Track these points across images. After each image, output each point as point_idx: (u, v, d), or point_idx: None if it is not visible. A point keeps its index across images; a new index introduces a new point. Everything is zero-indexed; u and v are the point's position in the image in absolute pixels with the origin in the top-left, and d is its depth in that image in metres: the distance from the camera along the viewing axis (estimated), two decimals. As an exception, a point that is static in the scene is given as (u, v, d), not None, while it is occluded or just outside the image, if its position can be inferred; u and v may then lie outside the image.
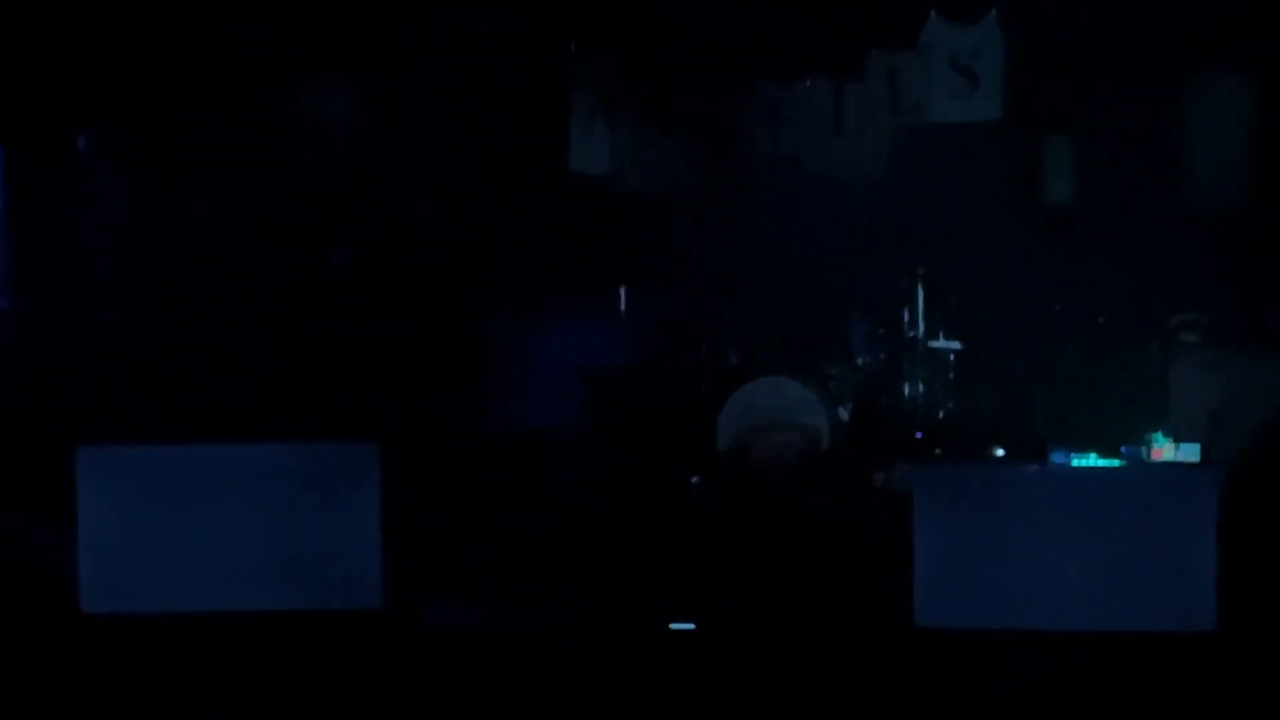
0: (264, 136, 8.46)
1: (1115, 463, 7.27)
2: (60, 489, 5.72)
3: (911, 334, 8.58)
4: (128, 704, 5.10)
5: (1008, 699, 5.06)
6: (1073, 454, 7.38)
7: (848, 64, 8.96)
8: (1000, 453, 8.13)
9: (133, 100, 8.49)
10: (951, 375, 8.63)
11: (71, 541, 5.67)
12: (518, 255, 8.74)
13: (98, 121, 8.57)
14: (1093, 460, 7.32)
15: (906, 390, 8.58)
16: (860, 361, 8.68)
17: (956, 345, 8.61)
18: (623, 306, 8.85)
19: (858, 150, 9.09)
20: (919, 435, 8.42)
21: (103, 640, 5.53)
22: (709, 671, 5.44)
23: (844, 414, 8.40)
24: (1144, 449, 7.44)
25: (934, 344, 8.60)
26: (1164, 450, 7.38)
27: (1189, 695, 5.02)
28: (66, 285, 8.40)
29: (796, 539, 6.68)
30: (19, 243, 8.43)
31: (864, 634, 5.58)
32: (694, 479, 7.90)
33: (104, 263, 8.49)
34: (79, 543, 5.65)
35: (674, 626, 5.68)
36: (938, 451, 8.30)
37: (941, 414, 8.58)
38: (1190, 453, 7.24)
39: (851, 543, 6.49)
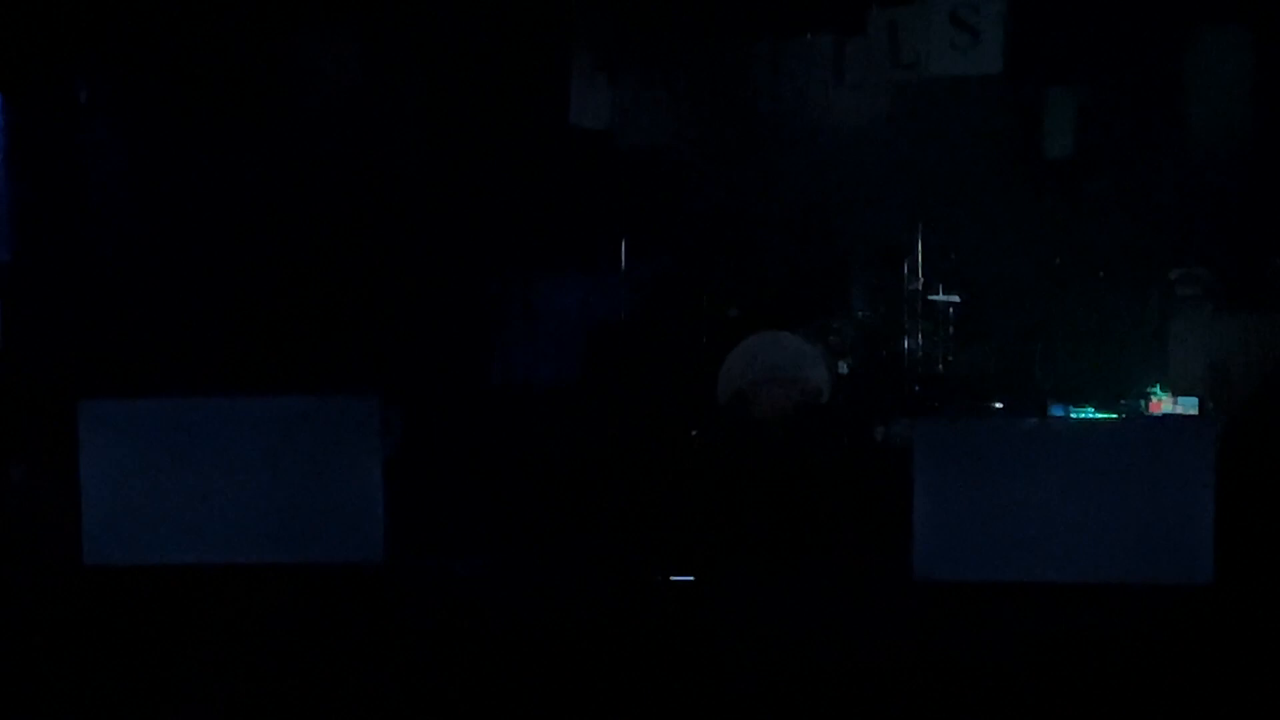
0: (264, 86, 8.44)
1: (1114, 416, 7.28)
2: (62, 442, 5.73)
3: (911, 288, 8.58)
4: (130, 656, 5.12)
5: (1006, 651, 5.07)
6: (1071, 407, 7.39)
7: (848, 17, 8.93)
8: (999, 406, 8.14)
9: (133, 49, 8.46)
10: (951, 329, 8.64)
11: (74, 495, 5.69)
12: (518, 209, 8.73)
13: (98, 71, 8.54)
14: (1091, 413, 7.33)
15: (906, 344, 8.59)
16: (860, 315, 8.68)
17: (956, 299, 8.61)
18: (623, 260, 8.85)
19: (858, 104, 9.06)
20: (918, 389, 8.43)
21: (105, 593, 5.55)
22: (708, 624, 5.46)
23: (843, 368, 8.40)
24: (1142, 402, 7.45)
25: (933, 298, 8.60)
26: (1162, 403, 7.39)
27: (1186, 646, 5.04)
28: (67, 238, 8.39)
29: (796, 493, 6.68)
30: (18, 196, 8.41)
31: (863, 587, 5.59)
32: (694, 433, 7.90)
33: (104, 215, 8.48)
34: (81, 496, 5.68)
35: (674, 579, 5.71)
36: (937, 405, 8.30)
37: (941, 367, 8.59)
38: (1188, 405, 7.25)
39: (851, 496, 6.50)
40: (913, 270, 8.54)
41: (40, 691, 4.99)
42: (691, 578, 5.73)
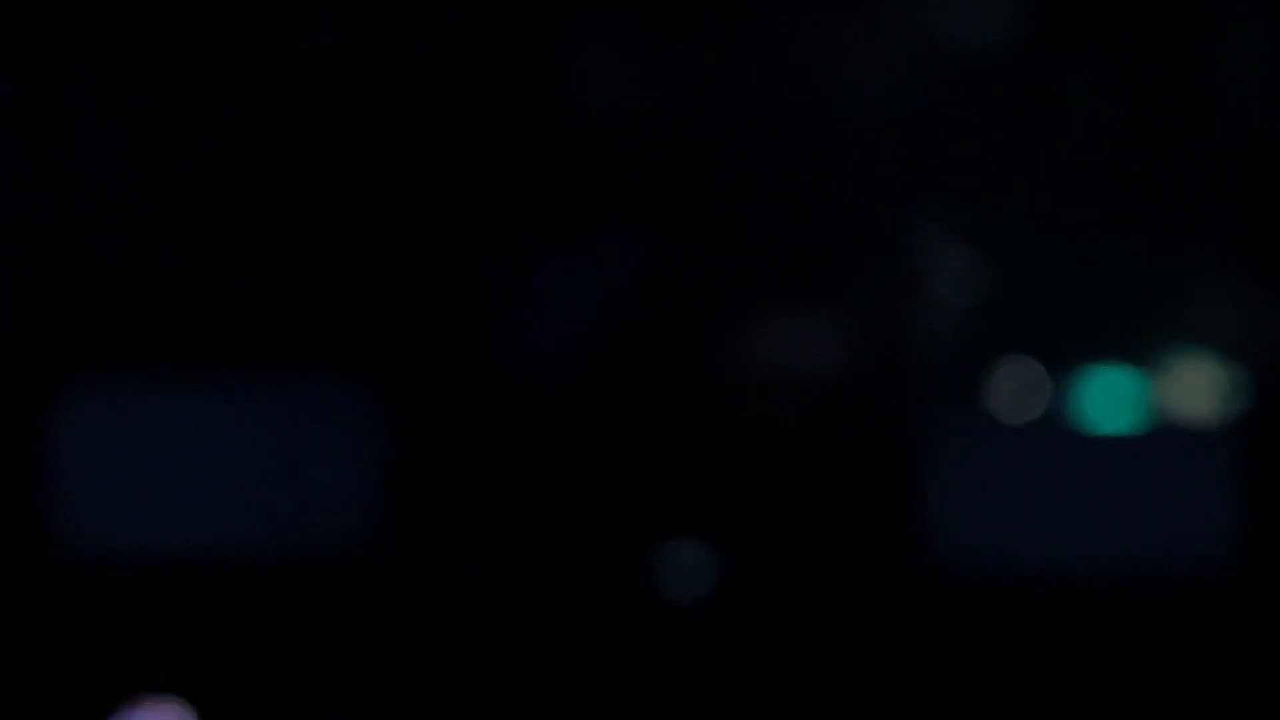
0: (258, 56, 8.40)
1: (1133, 372, 7.29)
2: (43, 421, 5.68)
3: (924, 261, 8.56)
4: (110, 642, 5.08)
5: (1021, 635, 5.07)
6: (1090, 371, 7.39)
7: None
8: (1005, 394, 8.14)
9: (124, 18, 8.43)
10: (965, 305, 8.61)
11: (54, 474, 5.61)
12: (516, 182, 8.69)
13: (88, 41, 8.52)
14: (1110, 375, 7.33)
15: (915, 325, 8.57)
16: (872, 290, 8.64)
17: (970, 272, 8.59)
18: (625, 233, 8.81)
19: (872, 71, 9.04)
20: (930, 366, 8.41)
21: (86, 577, 5.44)
22: (713, 602, 5.39)
23: (855, 343, 8.38)
24: (1163, 371, 7.44)
25: (942, 278, 8.58)
26: (1184, 373, 7.38)
27: (1199, 637, 4.99)
28: (50, 214, 8.37)
29: (805, 472, 6.55)
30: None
31: (875, 567, 5.54)
32: (696, 414, 7.86)
33: (87, 191, 8.45)
34: (60, 476, 5.59)
35: (675, 564, 5.63)
36: (946, 388, 8.29)
37: (950, 351, 8.57)
38: (1207, 372, 7.23)
39: (862, 476, 6.42)
40: (926, 243, 8.54)
41: (19, 680, 4.98)
42: (694, 562, 5.68)
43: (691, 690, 5.03)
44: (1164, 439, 5.67)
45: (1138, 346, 7.49)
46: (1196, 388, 6.98)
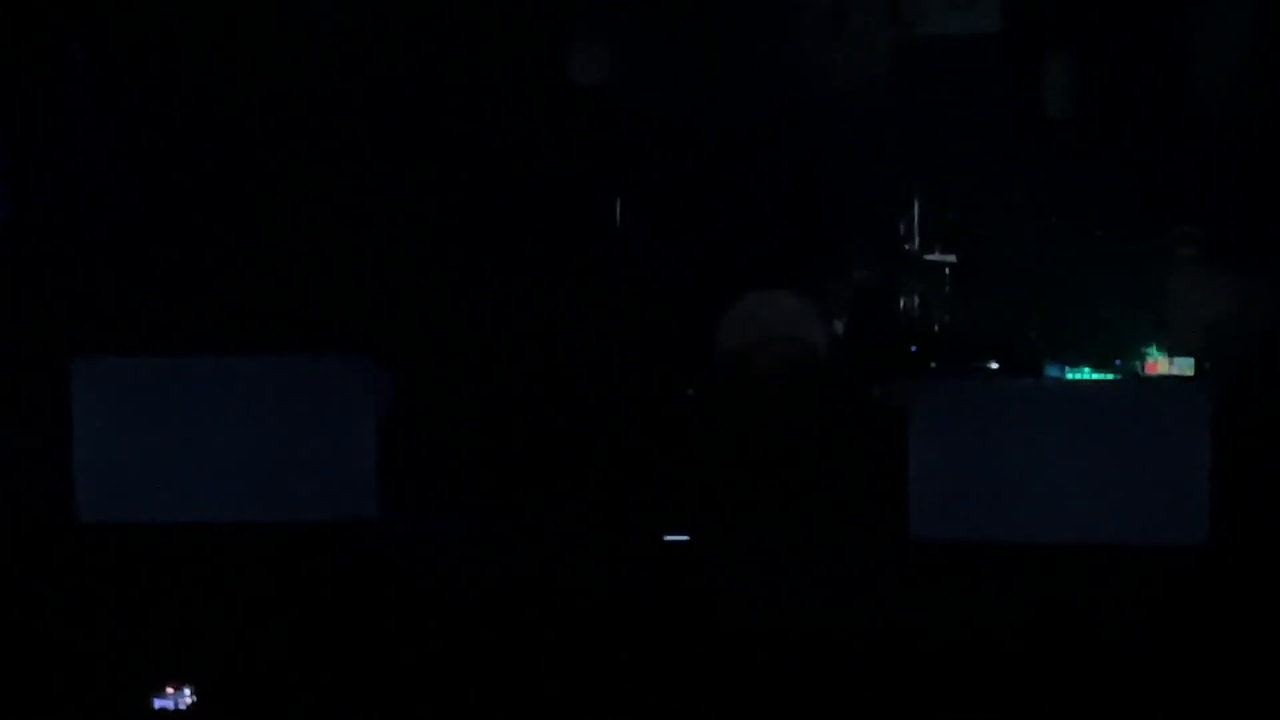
0: (259, 42, 8.41)
1: (1110, 376, 7.28)
2: (57, 401, 5.72)
3: (907, 247, 8.59)
4: (122, 613, 5.14)
5: (1001, 611, 5.08)
6: (1067, 367, 7.39)
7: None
8: (995, 366, 8.14)
9: (127, 5, 8.43)
10: (947, 289, 8.65)
11: (68, 452, 5.62)
12: (514, 166, 8.72)
13: (92, 28, 8.52)
14: (1087, 374, 7.32)
15: (902, 303, 8.60)
16: (856, 275, 8.69)
17: (952, 259, 8.63)
18: (618, 219, 8.85)
19: (856, 62, 9.05)
20: (914, 349, 8.44)
21: (98, 550, 5.52)
22: (703, 585, 5.43)
23: (839, 327, 8.41)
24: (1138, 363, 7.45)
25: (929, 257, 8.62)
26: (1158, 364, 7.39)
27: (1180, 608, 5.04)
28: (62, 196, 8.38)
29: (792, 452, 6.66)
30: (12, 154, 8.39)
31: (859, 547, 5.54)
32: (689, 391, 7.89)
33: (100, 173, 8.46)
34: (75, 454, 5.60)
35: (668, 539, 5.67)
36: (933, 365, 8.31)
37: (936, 327, 8.60)
38: (1185, 366, 7.25)
39: (847, 456, 6.49)
40: (909, 229, 8.56)
41: (30, 648, 5.00)
42: (686, 538, 5.71)
43: (679, 671, 5.01)
44: (1147, 408, 5.63)
45: (1116, 344, 7.56)
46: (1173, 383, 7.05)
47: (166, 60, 8.34)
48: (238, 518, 5.54)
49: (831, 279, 8.37)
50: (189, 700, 5.03)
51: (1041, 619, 5.08)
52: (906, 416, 5.63)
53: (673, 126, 8.81)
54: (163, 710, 5.05)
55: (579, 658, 5.02)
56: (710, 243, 8.50)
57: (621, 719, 4.96)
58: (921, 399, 5.62)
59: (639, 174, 8.66)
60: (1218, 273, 7.53)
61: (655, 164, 8.68)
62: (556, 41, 8.80)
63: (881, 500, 5.61)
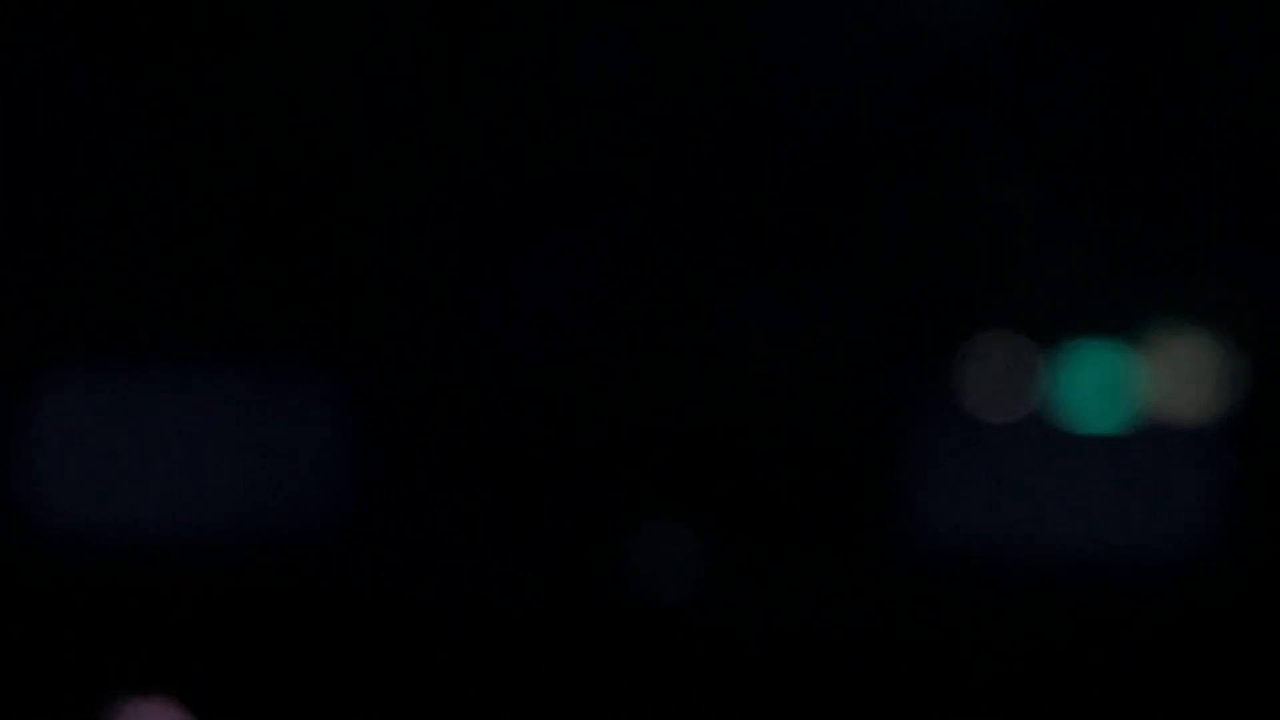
0: (248, 47, 8.41)
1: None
2: (21, 407, 5.66)
3: (909, 246, 8.60)
4: (88, 626, 5.10)
5: (1003, 620, 5.09)
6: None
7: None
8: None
9: (113, 11, 8.44)
10: (939, 297, 8.66)
11: (31, 461, 5.58)
12: (496, 167, 8.72)
13: (77, 33, 8.52)
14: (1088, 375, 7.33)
15: (897, 310, 8.61)
16: (850, 275, 8.68)
17: (948, 260, 8.63)
18: (611, 219, 8.83)
19: (856, 60, 9.07)
20: (912, 349, 8.44)
21: (62, 564, 5.43)
22: (691, 587, 5.41)
23: (837, 337, 8.43)
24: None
25: (924, 257, 8.62)
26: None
27: (1187, 623, 5.00)
28: (29, 203, 8.38)
29: (785, 455, 6.58)
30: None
31: (856, 559, 5.55)
32: (680, 402, 7.88)
33: (65, 177, 8.46)
34: (38, 465, 5.56)
35: (663, 552, 5.65)
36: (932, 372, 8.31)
37: (933, 328, 8.61)
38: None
39: (843, 469, 6.40)
40: (904, 230, 8.57)
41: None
42: (681, 549, 5.68)
43: (671, 680, 5.03)
44: (1150, 431, 5.67)
45: (1128, 326, 7.51)
46: (1188, 369, 6.99)
47: (152, 63, 8.36)
48: (207, 522, 5.53)
49: (826, 278, 8.34)
50: (159, 709, 4.99)
51: (1041, 620, 5.08)
52: (901, 428, 5.67)
53: (670, 125, 8.80)
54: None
55: (569, 660, 5.03)
56: (709, 242, 8.47)
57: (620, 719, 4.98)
58: (913, 412, 5.67)
59: (633, 174, 8.67)
60: (1239, 261, 7.55)
61: (650, 164, 8.68)
62: (546, 45, 8.80)
63: (878, 512, 5.61)
